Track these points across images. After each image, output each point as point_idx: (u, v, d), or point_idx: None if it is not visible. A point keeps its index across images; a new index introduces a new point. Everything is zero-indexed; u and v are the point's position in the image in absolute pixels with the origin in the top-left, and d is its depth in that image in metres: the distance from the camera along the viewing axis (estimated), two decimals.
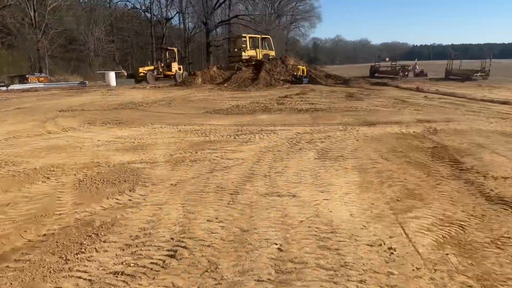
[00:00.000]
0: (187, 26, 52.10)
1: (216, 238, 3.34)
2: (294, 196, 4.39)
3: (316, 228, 3.53)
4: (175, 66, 30.88)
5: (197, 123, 9.74)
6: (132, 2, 48.52)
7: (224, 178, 5.09)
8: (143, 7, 48.25)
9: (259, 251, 3.10)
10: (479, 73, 27.42)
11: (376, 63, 32.96)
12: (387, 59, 36.02)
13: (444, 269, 2.83)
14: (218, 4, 48.13)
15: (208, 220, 3.73)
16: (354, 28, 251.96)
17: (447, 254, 3.05)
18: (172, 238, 3.36)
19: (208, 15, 45.12)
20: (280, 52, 44.31)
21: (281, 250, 3.11)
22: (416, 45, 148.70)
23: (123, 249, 3.19)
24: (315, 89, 20.18)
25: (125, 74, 32.11)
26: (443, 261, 2.94)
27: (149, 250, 3.17)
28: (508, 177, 4.95)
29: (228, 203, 4.18)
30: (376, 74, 31.16)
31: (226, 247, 3.19)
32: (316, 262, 2.92)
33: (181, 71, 31.68)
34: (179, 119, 10.55)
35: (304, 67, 25.20)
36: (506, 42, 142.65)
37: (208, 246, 3.21)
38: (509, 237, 3.32)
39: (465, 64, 32.48)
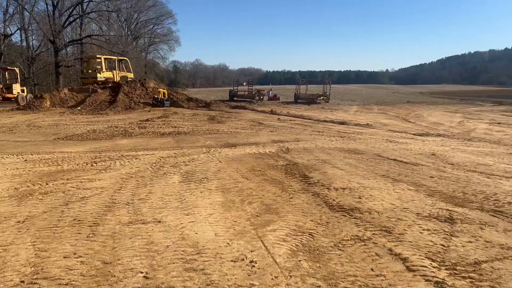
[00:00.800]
0: (30, 44, 46.67)
1: (75, 275, 3.11)
2: (159, 221, 4.36)
3: (182, 251, 3.58)
4: (17, 88, 27.22)
5: (46, 151, 8.81)
6: None
7: (82, 210, 4.74)
8: None
9: (123, 282, 3.00)
10: (322, 97, 31.44)
11: (234, 87, 34.52)
12: (244, 83, 38.29)
13: (298, 274, 3.18)
14: (68, 23, 44.48)
15: (65, 257, 3.44)
16: (212, 53, 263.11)
17: (299, 260, 3.43)
18: (22, 281, 3.00)
19: (56, 33, 41.12)
20: (139, 74, 43.27)
21: (147, 278, 3.07)
22: (269, 71, 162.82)
23: None
24: (177, 112, 20.26)
25: None
26: (297, 267, 3.30)
27: None
28: (346, 188, 5.81)
29: (87, 236, 3.92)
30: (235, 98, 32.74)
31: (87, 282, 3.00)
32: (183, 285, 2.98)
33: (25, 93, 28.05)
34: (24, 148, 9.38)
35: (165, 90, 25.05)
36: (342, 70, 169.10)
37: (66, 284, 2.97)
38: (348, 240, 3.91)
39: (311, 88, 36.86)
